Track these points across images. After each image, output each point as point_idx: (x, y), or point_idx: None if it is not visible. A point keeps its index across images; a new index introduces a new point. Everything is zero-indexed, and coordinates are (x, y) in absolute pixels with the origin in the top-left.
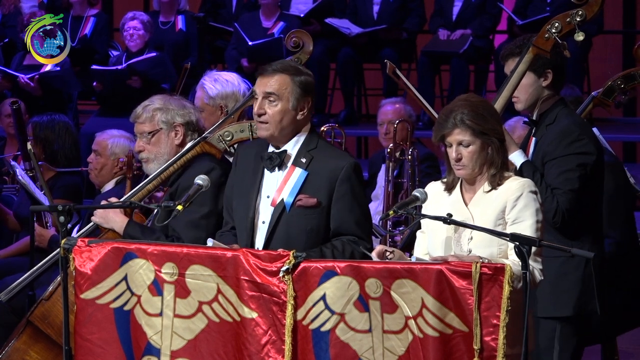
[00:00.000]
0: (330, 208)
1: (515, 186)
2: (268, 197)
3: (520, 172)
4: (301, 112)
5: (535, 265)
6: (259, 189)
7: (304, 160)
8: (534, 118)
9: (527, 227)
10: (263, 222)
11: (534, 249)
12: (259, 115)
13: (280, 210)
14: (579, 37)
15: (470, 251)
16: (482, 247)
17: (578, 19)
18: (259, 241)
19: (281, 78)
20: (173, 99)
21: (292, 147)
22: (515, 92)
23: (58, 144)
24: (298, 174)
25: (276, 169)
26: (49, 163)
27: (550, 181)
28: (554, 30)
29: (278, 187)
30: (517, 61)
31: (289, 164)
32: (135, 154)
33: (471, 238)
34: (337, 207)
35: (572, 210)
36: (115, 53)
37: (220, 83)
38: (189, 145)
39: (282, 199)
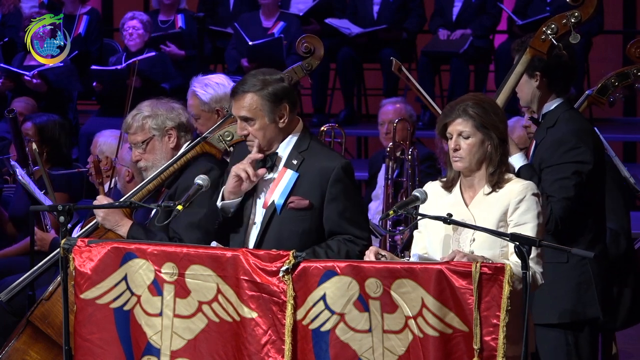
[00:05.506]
0: (323, 210)
1: (518, 189)
2: (260, 198)
3: (518, 176)
4: (281, 121)
5: (536, 269)
6: (254, 190)
7: (295, 162)
8: (539, 118)
9: (528, 230)
10: (255, 223)
11: (536, 251)
12: (244, 136)
13: (271, 212)
14: (575, 39)
15: (472, 252)
16: (485, 249)
17: (573, 20)
18: (251, 242)
19: (249, 98)
20: (161, 103)
21: (284, 149)
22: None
23: (64, 145)
24: (289, 176)
25: (268, 171)
26: (53, 163)
27: (545, 188)
28: (549, 32)
29: (269, 188)
30: (515, 60)
31: (280, 166)
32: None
33: (473, 240)
34: (329, 209)
35: (566, 218)
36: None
37: (211, 87)
38: (189, 145)
39: (273, 201)
